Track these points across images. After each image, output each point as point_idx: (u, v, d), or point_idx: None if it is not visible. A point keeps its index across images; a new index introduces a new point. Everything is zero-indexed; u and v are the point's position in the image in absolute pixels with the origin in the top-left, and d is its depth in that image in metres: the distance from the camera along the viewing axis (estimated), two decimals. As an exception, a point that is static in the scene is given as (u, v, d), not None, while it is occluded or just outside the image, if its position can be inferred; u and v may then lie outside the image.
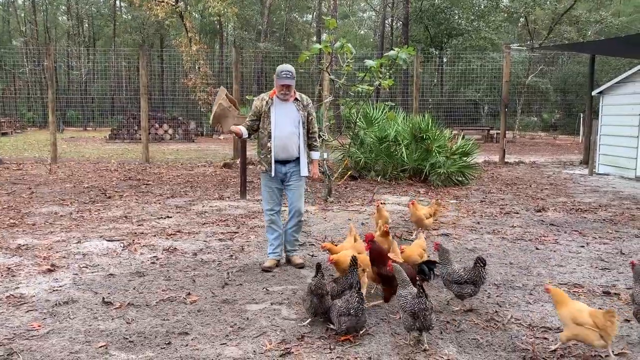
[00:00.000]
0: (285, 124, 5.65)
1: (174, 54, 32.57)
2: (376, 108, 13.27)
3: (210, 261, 5.94)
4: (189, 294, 4.87)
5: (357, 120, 11.98)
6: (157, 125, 26.03)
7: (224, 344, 3.86)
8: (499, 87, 23.44)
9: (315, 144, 5.96)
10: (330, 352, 3.72)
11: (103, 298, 4.67)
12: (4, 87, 36.79)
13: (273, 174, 5.68)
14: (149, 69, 24.05)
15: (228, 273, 5.51)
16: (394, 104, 12.55)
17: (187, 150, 21.49)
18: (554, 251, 6.47)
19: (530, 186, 11.97)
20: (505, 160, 16.85)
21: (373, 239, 4.62)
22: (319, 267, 4.23)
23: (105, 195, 10.20)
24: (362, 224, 7.93)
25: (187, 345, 3.83)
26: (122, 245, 6.56)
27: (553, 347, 3.74)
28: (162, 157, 18.04)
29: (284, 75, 5.55)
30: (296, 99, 5.75)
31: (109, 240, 6.75)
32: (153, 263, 5.84)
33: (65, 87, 40.69)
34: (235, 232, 7.31)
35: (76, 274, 5.41)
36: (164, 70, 35.81)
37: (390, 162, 12.16)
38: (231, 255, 6.16)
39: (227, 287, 5.08)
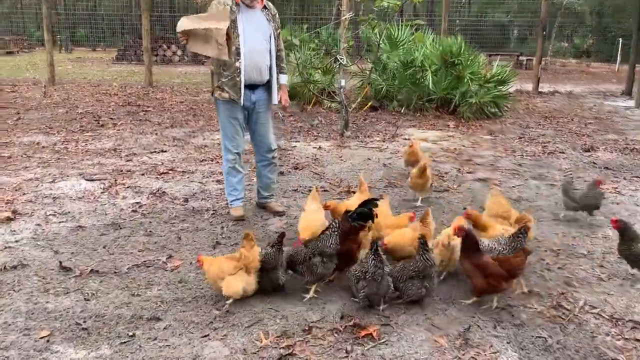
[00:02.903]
0: (257, 38, 4.47)
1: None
2: (401, 28, 11.77)
3: (204, 210, 4.95)
4: (170, 256, 3.91)
5: (380, 42, 10.57)
6: (165, 47, 24.38)
7: (205, 336, 2.91)
8: (532, 9, 21.38)
9: (282, 65, 4.76)
10: (347, 356, 2.75)
11: (60, 262, 3.72)
12: (10, 4, 35.03)
13: (242, 102, 4.50)
14: (155, -16, 22.27)
15: (222, 227, 4.53)
16: (423, 23, 10.97)
17: (196, 73, 20.12)
18: (617, 204, 5.37)
19: (572, 120, 10.66)
20: (539, 89, 15.37)
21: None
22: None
23: (99, 122, 9.16)
24: (384, 165, 6.83)
25: (155, 338, 2.88)
26: (102, 186, 5.58)
27: None
28: (168, 80, 16.78)
29: None
30: (264, 7, 4.54)
31: (88, 180, 5.76)
32: (134, 211, 4.86)
33: (73, 4, 38.69)
34: (237, 172, 6.27)
35: (39, 225, 4.46)
36: (174, -13, 33.65)
37: (416, 90, 10.83)
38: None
39: (219, 248, 4.10)
